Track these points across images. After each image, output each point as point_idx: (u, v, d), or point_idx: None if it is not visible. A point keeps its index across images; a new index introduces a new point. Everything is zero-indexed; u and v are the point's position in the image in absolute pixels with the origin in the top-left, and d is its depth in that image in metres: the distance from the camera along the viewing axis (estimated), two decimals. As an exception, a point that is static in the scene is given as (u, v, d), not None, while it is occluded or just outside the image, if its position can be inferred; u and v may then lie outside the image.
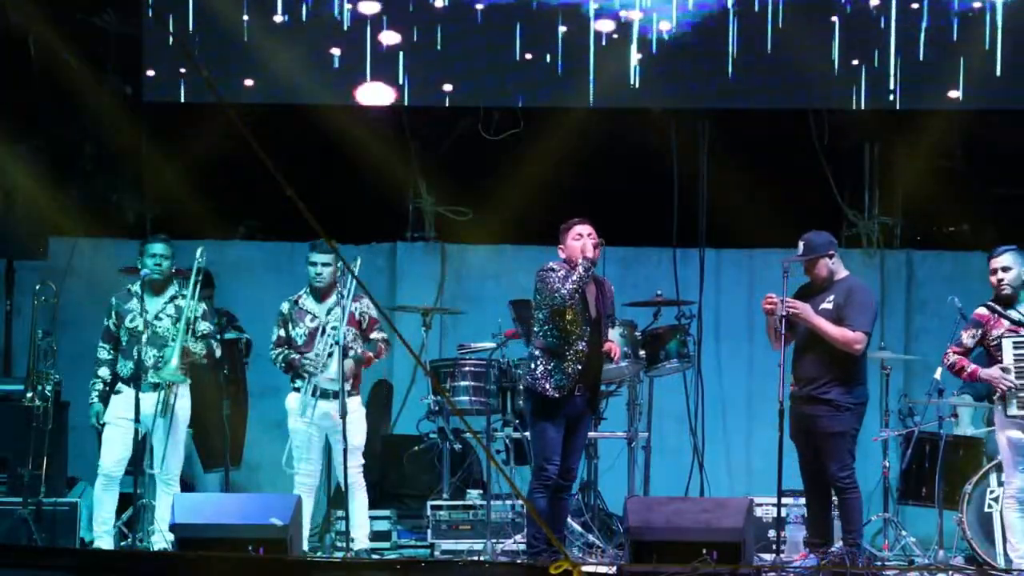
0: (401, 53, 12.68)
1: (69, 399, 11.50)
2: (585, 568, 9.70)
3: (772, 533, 10.75)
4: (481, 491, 11.31)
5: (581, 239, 9.93)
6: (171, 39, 12.65)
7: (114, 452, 10.50)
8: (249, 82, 12.73)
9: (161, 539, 10.30)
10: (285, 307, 10.70)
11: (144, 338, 10.47)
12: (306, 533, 10.34)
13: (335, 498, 11.29)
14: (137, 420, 10.35)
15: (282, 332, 10.66)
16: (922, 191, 13.06)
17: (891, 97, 12.52)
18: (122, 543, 10.79)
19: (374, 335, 10.67)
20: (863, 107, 12.58)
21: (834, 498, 10.14)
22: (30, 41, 12.86)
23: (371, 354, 10.64)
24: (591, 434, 10.96)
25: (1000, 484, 10.31)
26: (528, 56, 12.64)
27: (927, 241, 13.66)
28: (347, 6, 12.63)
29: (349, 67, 12.66)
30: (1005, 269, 9.88)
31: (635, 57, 12.57)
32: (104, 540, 10.52)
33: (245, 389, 12.13)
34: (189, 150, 12.68)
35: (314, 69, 12.68)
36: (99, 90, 12.98)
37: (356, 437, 10.46)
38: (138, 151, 13.17)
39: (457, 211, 13.53)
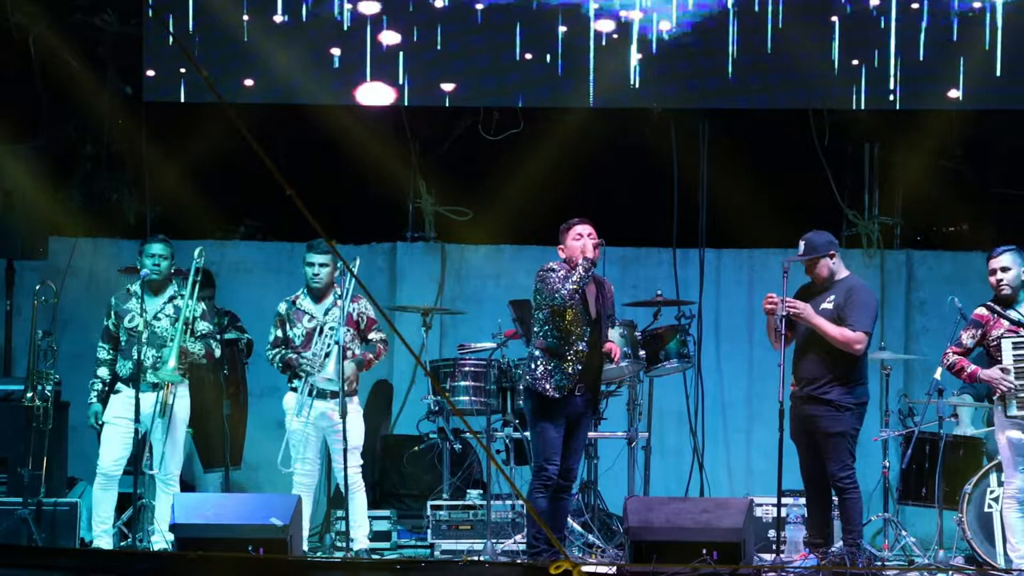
0: (401, 53, 12.68)
1: (69, 399, 11.51)
2: (585, 568, 9.70)
3: (772, 533, 10.75)
4: (481, 491, 11.31)
5: (581, 239, 9.93)
6: (171, 39, 12.65)
7: (113, 452, 10.51)
8: (249, 82, 12.73)
9: (161, 539, 10.31)
10: (283, 308, 10.70)
11: (143, 338, 10.47)
12: (305, 533, 10.34)
13: (335, 498, 11.29)
14: (137, 420, 10.35)
15: (279, 333, 10.66)
16: (922, 191, 13.07)
17: (891, 97, 12.52)
18: (122, 543, 10.79)
19: (372, 336, 10.68)
20: (863, 107, 12.58)
21: (834, 498, 10.14)
22: (30, 41, 12.86)
23: (371, 355, 10.65)
24: (591, 434, 10.96)
25: (1000, 484, 10.31)
26: (528, 56, 12.64)
27: (927, 241, 13.67)
28: (347, 6, 12.63)
29: (349, 67, 12.66)
30: (1004, 269, 9.88)
31: (635, 57, 12.57)
32: (103, 540, 10.53)
33: (245, 389, 12.13)
34: (189, 150, 12.68)
35: (314, 69, 12.68)
36: (99, 90, 12.99)
37: (354, 438, 10.46)
38: (138, 151, 13.17)
39: (457, 211, 13.53)
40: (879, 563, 10.56)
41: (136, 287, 10.64)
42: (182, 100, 12.70)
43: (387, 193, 13.39)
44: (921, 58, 12.48)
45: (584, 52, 12.58)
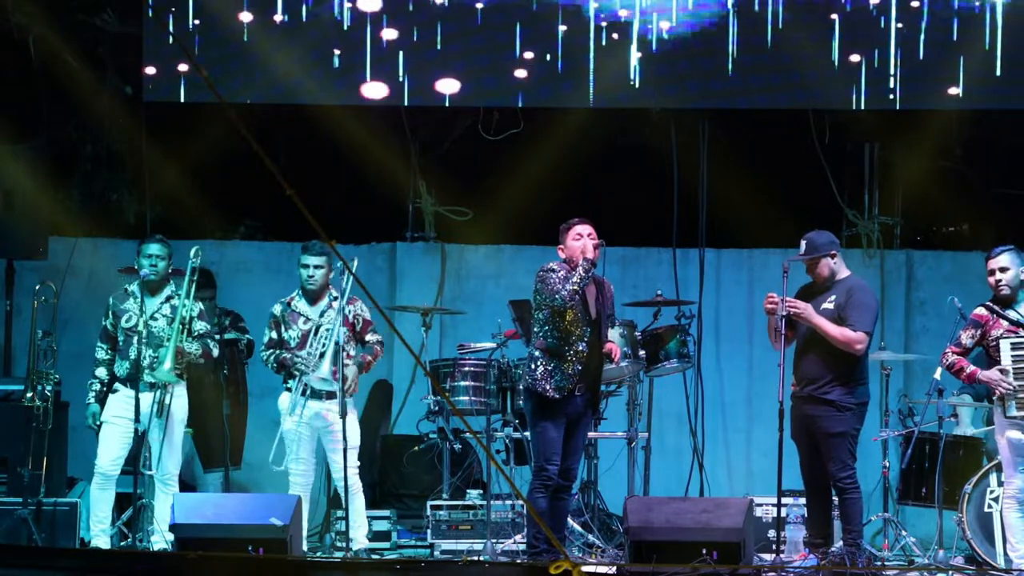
0: (401, 53, 12.67)
1: (69, 399, 11.50)
2: (585, 568, 9.70)
3: (772, 533, 10.75)
4: (481, 491, 11.31)
5: (581, 239, 9.92)
6: (171, 39, 12.64)
7: (110, 451, 10.51)
8: (249, 81, 12.72)
9: (161, 539, 10.30)
10: (277, 309, 10.71)
11: (139, 338, 10.46)
12: (304, 533, 10.35)
13: (334, 498, 11.29)
14: (137, 420, 10.35)
15: (274, 334, 10.67)
16: (922, 191, 13.06)
17: (891, 96, 12.51)
18: (122, 543, 10.79)
19: (369, 337, 10.70)
20: (863, 107, 12.58)
21: (834, 498, 10.13)
22: (30, 41, 12.86)
23: (369, 357, 10.67)
24: (591, 434, 10.96)
25: (1000, 484, 10.31)
26: (528, 56, 12.64)
27: (927, 241, 13.67)
28: (347, 5, 12.62)
29: (349, 67, 12.66)
30: (1003, 269, 9.87)
31: (635, 57, 12.57)
32: (100, 539, 10.53)
33: (245, 389, 12.13)
34: (189, 150, 12.67)
35: (314, 69, 12.67)
36: (99, 90, 12.99)
37: (352, 438, 10.46)
38: (138, 151, 13.17)
39: (457, 211, 13.53)
40: (879, 563, 10.56)
41: (134, 287, 10.65)
42: (182, 100, 12.69)
43: (387, 193, 13.39)
44: (921, 57, 12.47)
45: (584, 52, 12.58)
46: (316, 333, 10.54)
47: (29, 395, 10.87)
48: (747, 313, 13.07)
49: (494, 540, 10.90)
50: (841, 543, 10.08)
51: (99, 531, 10.54)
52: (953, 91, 12.47)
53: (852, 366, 9.99)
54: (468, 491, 11.43)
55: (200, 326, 10.60)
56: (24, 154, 12.80)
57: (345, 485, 10.38)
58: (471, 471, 11.90)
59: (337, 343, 10.35)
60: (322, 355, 10.43)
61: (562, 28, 12.60)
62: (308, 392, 10.50)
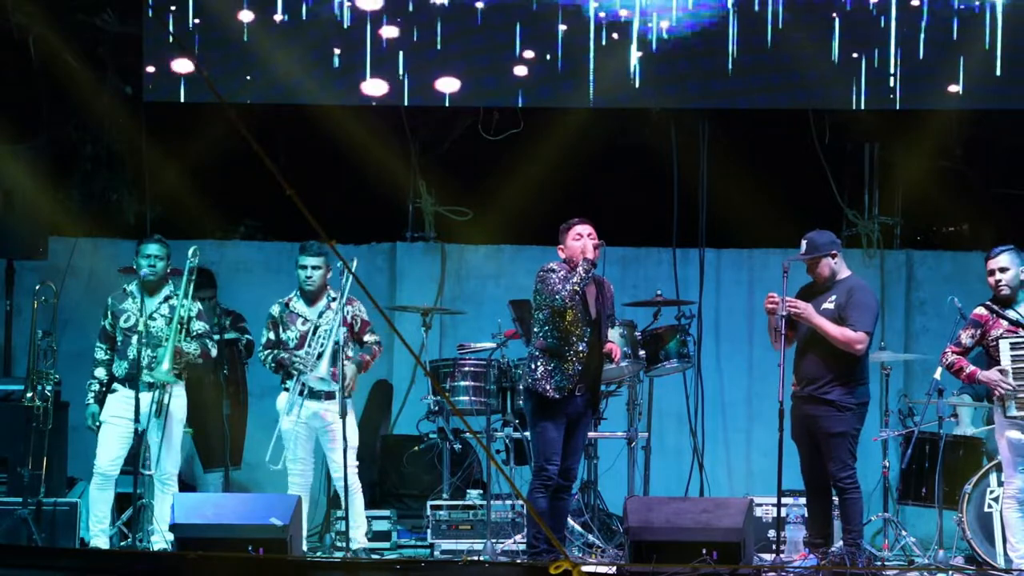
0: (401, 53, 12.67)
1: (69, 399, 11.50)
2: (585, 568, 9.70)
3: (772, 533, 10.75)
4: (481, 491, 11.31)
5: (581, 239, 9.92)
6: (171, 39, 12.64)
7: (110, 452, 10.51)
8: (249, 81, 12.72)
9: (161, 539, 10.30)
10: (275, 310, 10.72)
11: (137, 338, 10.46)
12: (304, 533, 10.35)
13: (334, 498, 11.29)
14: (137, 419, 10.35)
15: (271, 335, 10.68)
16: (922, 191, 13.06)
17: (891, 96, 12.51)
18: (122, 543, 10.79)
19: (367, 338, 10.72)
20: (863, 107, 12.57)
21: (834, 498, 10.13)
22: (30, 41, 12.86)
23: (368, 357, 10.68)
24: (591, 434, 10.96)
25: (1000, 484, 10.31)
26: (528, 55, 12.64)
27: (927, 241, 13.67)
28: (347, 5, 12.62)
29: (349, 67, 12.66)
30: (1003, 270, 9.87)
31: (635, 56, 12.57)
32: (100, 539, 10.52)
33: (245, 389, 12.13)
34: (189, 150, 12.67)
35: (314, 68, 12.67)
36: (99, 90, 12.99)
37: (350, 438, 10.46)
38: (138, 151, 13.17)
39: (457, 211, 13.53)
40: (879, 563, 10.55)
41: (132, 287, 10.65)
42: (182, 100, 12.69)
43: (387, 193, 13.39)
44: (921, 57, 12.47)
45: (584, 52, 12.57)
46: (314, 333, 10.55)
47: (29, 395, 10.87)
48: (747, 313, 13.07)
49: (494, 540, 10.90)
50: (841, 543, 10.08)
51: (98, 531, 10.54)
52: (953, 90, 12.47)
53: (852, 366, 9.99)
54: (468, 491, 11.43)
55: (198, 326, 10.60)
56: (24, 154, 12.79)
57: (345, 484, 10.39)
58: (471, 471, 11.90)
59: (337, 343, 10.35)
60: (320, 355, 10.44)
61: (562, 28, 12.60)
62: (306, 392, 10.51)
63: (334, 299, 10.61)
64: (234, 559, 9.33)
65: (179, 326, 10.46)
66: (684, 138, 13.17)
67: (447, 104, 12.78)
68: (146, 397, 10.41)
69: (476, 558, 10.75)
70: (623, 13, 12.57)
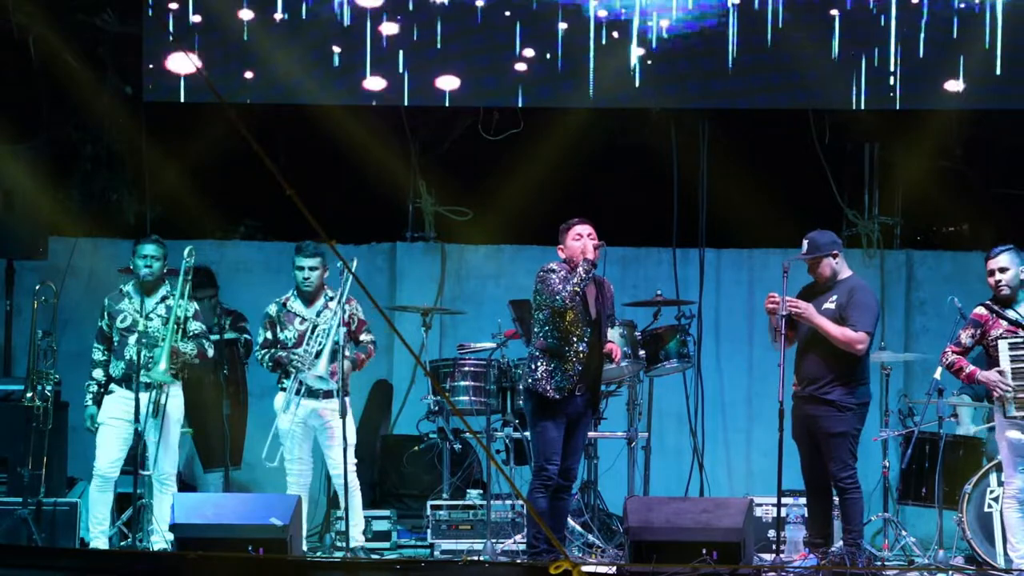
0: (401, 52, 12.67)
1: (69, 399, 11.51)
2: (585, 568, 9.70)
3: (772, 533, 10.75)
4: (481, 491, 11.31)
5: (581, 239, 9.91)
6: (171, 39, 12.64)
7: (109, 453, 10.50)
8: (249, 81, 12.72)
9: (161, 539, 10.30)
10: (272, 310, 10.72)
11: (136, 338, 10.46)
12: (303, 533, 10.35)
13: (334, 498, 11.29)
14: (136, 420, 10.35)
15: (268, 335, 10.69)
16: (922, 191, 13.06)
17: (891, 96, 12.51)
18: (122, 543, 10.79)
19: (363, 337, 10.73)
20: (863, 107, 12.57)
21: (835, 498, 10.13)
22: (30, 41, 12.86)
23: (363, 356, 10.70)
24: (591, 434, 10.96)
25: (1000, 484, 10.31)
26: (528, 54, 12.63)
27: (927, 241, 13.67)
28: (347, 4, 12.62)
29: (349, 65, 12.66)
30: (1003, 270, 9.87)
31: (635, 56, 12.56)
32: (99, 540, 10.52)
33: (245, 389, 12.13)
34: (189, 150, 12.67)
35: (314, 68, 12.67)
36: (99, 90, 12.99)
37: (348, 437, 10.46)
38: (138, 151, 13.17)
39: (457, 211, 13.53)
40: (879, 563, 10.55)
41: (129, 287, 10.65)
42: (182, 100, 12.69)
43: (387, 193, 13.39)
44: (921, 56, 12.47)
45: (584, 51, 12.57)
46: (313, 332, 10.55)
47: (29, 395, 10.87)
48: (747, 313, 13.07)
49: (494, 540, 10.90)
50: (841, 543, 10.07)
51: (98, 532, 10.54)
52: (953, 90, 12.47)
53: (853, 366, 9.99)
54: (468, 491, 11.43)
55: (195, 326, 10.59)
56: (24, 154, 12.80)
57: (345, 484, 10.39)
58: (471, 471, 11.90)
59: (337, 342, 10.35)
60: (318, 353, 10.44)
61: (562, 27, 12.60)
62: (303, 390, 10.51)
63: (332, 298, 10.62)
64: (234, 559, 9.33)
65: (176, 326, 10.46)
66: (684, 138, 13.17)
67: (447, 103, 12.77)
68: (144, 397, 10.41)
69: (476, 558, 10.75)
70: (623, 12, 12.56)
